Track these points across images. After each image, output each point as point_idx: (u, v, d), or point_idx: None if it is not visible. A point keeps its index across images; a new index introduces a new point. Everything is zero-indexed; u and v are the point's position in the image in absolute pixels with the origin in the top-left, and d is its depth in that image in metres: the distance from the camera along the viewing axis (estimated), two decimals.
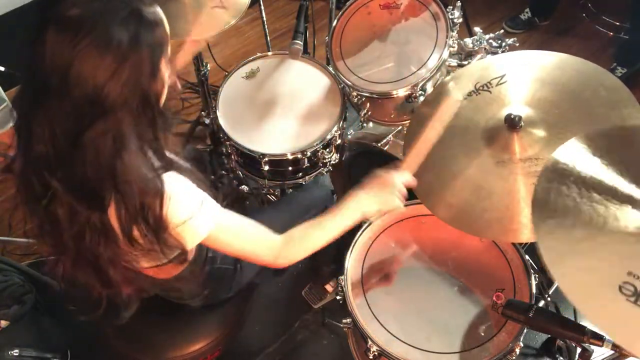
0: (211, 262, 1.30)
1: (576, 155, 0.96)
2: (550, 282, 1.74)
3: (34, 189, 0.94)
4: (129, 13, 0.86)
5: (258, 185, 1.84)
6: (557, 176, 0.94)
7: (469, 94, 1.31)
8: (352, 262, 1.36)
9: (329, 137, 1.64)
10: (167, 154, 0.99)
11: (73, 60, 0.82)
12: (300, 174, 1.72)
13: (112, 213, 0.93)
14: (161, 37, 0.92)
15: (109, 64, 0.84)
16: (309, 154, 1.63)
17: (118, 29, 0.84)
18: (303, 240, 1.14)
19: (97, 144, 0.87)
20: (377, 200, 1.18)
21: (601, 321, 0.80)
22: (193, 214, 0.98)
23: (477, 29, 1.77)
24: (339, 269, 1.34)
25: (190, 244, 1.02)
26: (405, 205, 1.42)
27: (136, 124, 0.90)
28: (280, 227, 1.13)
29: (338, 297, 1.35)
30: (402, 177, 1.20)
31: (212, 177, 2.08)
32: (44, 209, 0.96)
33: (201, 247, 1.21)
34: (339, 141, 1.72)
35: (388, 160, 1.61)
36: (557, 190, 0.92)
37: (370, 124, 1.83)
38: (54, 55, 0.82)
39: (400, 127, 1.77)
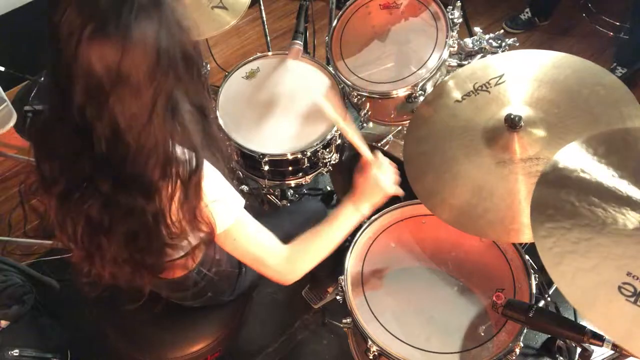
0: (217, 265, 1.30)
1: (575, 158, 0.96)
2: (550, 282, 1.74)
3: (74, 198, 0.93)
4: (145, 1, 0.85)
5: (258, 185, 1.84)
6: (555, 180, 0.94)
7: (468, 94, 1.31)
8: (352, 262, 1.36)
9: (329, 137, 1.64)
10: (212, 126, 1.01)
11: (121, 60, 0.81)
12: (300, 173, 1.73)
13: (158, 198, 0.93)
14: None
15: (150, 49, 0.83)
16: (309, 154, 1.63)
17: (144, 18, 0.83)
18: (305, 252, 1.15)
19: (159, 125, 0.87)
20: (368, 199, 1.22)
21: (601, 322, 0.80)
22: (222, 196, 1.00)
23: (477, 29, 1.77)
24: (339, 269, 1.34)
25: (219, 228, 1.02)
26: (406, 206, 1.42)
27: (185, 87, 0.91)
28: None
29: (338, 297, 1.34)
30: (377, 164, 1.24)
31: None
32: (86, 217, 0.95)
33: (208, 249, 1.21)
34: (339, 141, 1.72)
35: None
36: (555, 195, 0.92)
37: (370, 124, 1.83)
38: (101, 59, 0.81)
39: (400, 127, 1.77)
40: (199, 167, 0.95)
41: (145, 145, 0.88)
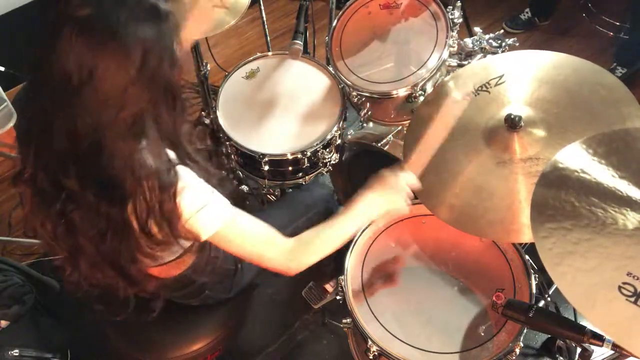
0: (213, 263, 1.30)
1: (575, 158, 0.96)
2: (550, 282, 1.74)
3: (47, 194, 0.93)
4: (147, 9, 0.86)
5: (258, 185, 1.84)
6: (556, 181, 0.94)
7: (468, 95, 1.31)
8: (352, 262, 1.36)
9: (329, 137, 1.64)
10: (184, 144, 1.00)
11: (98, 62, 0.82)
12: (300, 174, 1.72)
13: (129, 208, 0.93)
14: (175, 24, 0.91)
15: (133, 61, 0.84)
16: (309, 154, 1.63)
17: (140, 27, 0.84)
18: (315, 243, 1.12)
19: (119, 134, 0.87)
20: (385, 201, 1.18)
21: (601, 322, 0.80)
22: (202, 206, 0.98)
23: (477, 29, 1.77)
24: (339, 269, 1.33)
25: (204, 236, 1.01)
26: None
27: (157, 114, 0.91)
28: (282, 228, 1.12)
29: (338, 297, 1.35)
30: (407, 178, 1.20)
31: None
32: (57, 214, 0.95)
33: (204, 247, 1.21)
34: (339, 141, 1.72)
35: (388, 160, 1.61)
36: (555, 195, 0.92)
37: (370, 124, 1.83)
38: (77, 57, 0.81)
39: (400, 127, 1.77)
40: (170, 185, 0.93)
41: (104, 151, 0.87)
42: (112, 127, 0.86)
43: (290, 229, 1.13)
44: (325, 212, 1.55)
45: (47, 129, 0.88)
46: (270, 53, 1.87)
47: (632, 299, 0.78)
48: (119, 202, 0.92)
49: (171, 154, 0.97)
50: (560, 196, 0.92)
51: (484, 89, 1.29)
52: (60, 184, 0.91)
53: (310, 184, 1.75)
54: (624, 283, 0.80)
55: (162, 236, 0.97)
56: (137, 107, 0.87)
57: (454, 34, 1.65)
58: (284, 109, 1.72)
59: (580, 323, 1.03)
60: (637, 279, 0.79)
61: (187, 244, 1.08)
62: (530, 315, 1.07)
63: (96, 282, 1.07)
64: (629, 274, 0.80)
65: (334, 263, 1.49)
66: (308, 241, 1.12)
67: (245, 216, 1.08)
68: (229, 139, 1.66)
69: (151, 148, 0.92)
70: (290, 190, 1.84)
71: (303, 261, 1.11)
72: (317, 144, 1.63)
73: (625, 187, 0.89)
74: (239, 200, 1.07)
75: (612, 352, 0.98)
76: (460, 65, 1.70)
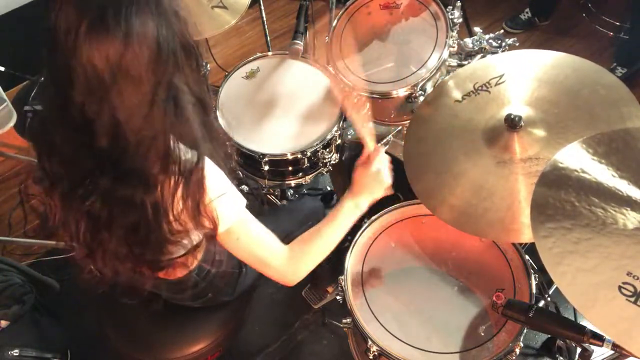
0: (218, 266, 1.30)
1: (575, 158, 0.96)
2: (550, 282, 1.74)
3: (75, 196, 0.93)
4: None
5: (258, 185, 1.84)
6: (556, 181, 0.94)
7: (468, 94, 1.31)
8: (352, 262, 1.36)
9: (329, 137, 1.64)
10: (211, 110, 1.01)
11: (123, 54, 0.81)
12: (300, 174, 1.72)
13: (157, 193, 0.93)
14: None
15: (150, 41, 0.83)
16: (309, 154, 1.63)
17: (143, 11, 0.83)
18: (306, 253, 1.15)
19: (160, 109, 0.87)
20: (371, 194, 1.22)
21: (601, 321, 0.80)
22: (224, 193, 1.00)
23: (477, 29, 1.77)
24: (339, 269, 1.33)
25: (221, 225, 1.02)
26: (406, 206, 1.42)
27: (185, 76, 0.90)
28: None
29: (338, 297, 1.34)
30: (383, 162, 1.24)
31: None
32: (86, 214, 0.95)
33: (209, 249, 1.21)
34: (339, 141, 1.72)
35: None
36: (555, 195, 0.92)
37: (371, 124, 1.83)
38: (100, 53, 0.81)
39: (400, 127, 1.77)
40: (200, 163, 0.95)
41: (146, 137, 0.88)
42: (151, 109, 0.86)
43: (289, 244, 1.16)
44: None
45: (84, 134, 0.87)
46: (270, 53, 1.87)
47: (632, 299, 0.78)
48: (152, 188, 0.92)
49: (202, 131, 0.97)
50: (560, 196, 0.92)
51: (484, 88, 1.29)
52: (93, 183, 0.91)
53: (300, 199, 1.76)
54: (624, 283, 0.80)
55: (183, 218, 0.97)
56: (166, 79, 0.87)
57: (454, 34, 1.65)
58: (284, 109, 1.72)
59: (580, 323, 1.03)
60: (637, 278, 0.79)
61: (196, 238, 1.08)
62: (530, 315, 1.07)
63: (114, 277, 1.06)
64: (629, 273, 0.80)
65: (334, 263, 1.49)
66: (300, 251, 1.14)
67: (255, 219, 1.10)
68: (229, 139, 1.66)
69: (183, 126, 0.92)
70: (291, 192, 1.84)
71: (298, 271, 1.15)
72: (317, 144, 1.63)
73: (625, 187, 0.89)
74: None
75: (612, 352, 0.98)
76: (460, 65, 1.70)
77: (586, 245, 0.85)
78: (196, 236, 1.07)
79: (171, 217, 0.96)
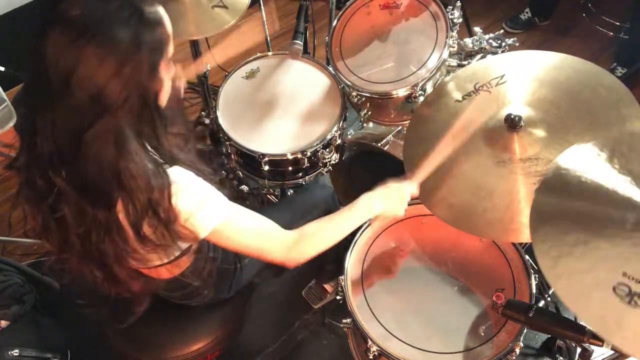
0: (212, 262, 1.30)
1: (576, 160, 0.96)
2: None
3: (38, 188, 0.94)
4: (130, 13, 0.87)
5: (258, 185, 1.84)
6: (555, 184, 0.94)
7: (469, 94, 1.31)
8: (352, 262, 1.36)
9: (329, 137, 1.64)
10: (170, 149, 0.99)
11: (77, 63, 0.83)
12: (300, 174, 1.72)
13: (120, 210, 0.93)
14: (162, 36, 0.92)
15: (111, 65, 0.85)
16: (309, 154, 1.63)
17: (120, 29, 0.85)
18: (316, 236, 1.13)
19: (99, 142, 0.87)
20: (386, 205, 1.21)
21: (595, 322, 0.80)
22: (201, 204, 0.98)
23: (477, 29, 1.77)
24: (339, 269, 1.34)
25: (202, 234, 1.01)
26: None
27: (136, 123, 0.91)
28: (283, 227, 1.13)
29: (338, 297, 1.34)
30: (410, 188, 1.22)
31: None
32: (49, 207, 0.96)
33: (203, 246, 1.21)
34: (339, 141, 1.72)
35: (388, 160, 1.61)
36: (554, 198, 0.92)
37: (370, 124, 1.84)
38: (57, 56, 0.83)
39: (400, 127, 1.77)
40: (161, 187, 0.93)
41: (87, 156, 0.88)
42: (93, 133, 0.87)
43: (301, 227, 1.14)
44: (326, 214, 1.55)
45: (33, 128, 0.89)
46: (270, 53, 1.87)
47: (627, 300, 0.78)
48: (104, 205, 0.92)
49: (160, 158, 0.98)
50: (559, 199, 0.92)
51: (485, 88, 1.29)
52: (51, 180, 0.92)
53: (311, 185, 1.76)
54: (619, 283, 0.80)
55: (157, 238, 0.97)
56: (115, 112, 0.87)
57: (454, 34, 1.65)
58: (284, 109, 1.72)
59: (580, 323, 1.03)
60: (632, 279, 0.80)
61: (184, 245, 1.08)
62: (530, 315, 1.07)
63: (82, 278, 1.07)
64: (624, 274, 0.80)
65: (334, 263, 1.49)
66: (309, 234, 1.13)
67: (242, 210, 1.08)
68: (229, 139, 1.66)
69: (136, 152, 0.91)
70: (291, 191, 1.84)
71: (304, 252, 1.12)
72: (317, 144, 1.63)
73: (623, 189, 0.89)
74: (238, 201, 1.08)
75: (612, 352, 0.98)
76: (460, 65, 1.70)
77: (582, 248, 0.85)
78: (179, 246, 1.07)
79: (139, 235, 0.96)
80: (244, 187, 2.06)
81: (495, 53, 1.69)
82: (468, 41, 1.72)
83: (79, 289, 1.11)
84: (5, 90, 1.92)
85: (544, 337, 1.82)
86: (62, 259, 1.05)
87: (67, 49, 0.82)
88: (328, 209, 1.61)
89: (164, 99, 0.99)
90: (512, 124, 1.16)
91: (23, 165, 0.95)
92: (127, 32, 0.85)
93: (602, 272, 0.82)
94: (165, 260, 1.11)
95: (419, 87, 1.56)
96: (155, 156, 0.96)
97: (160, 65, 0.93)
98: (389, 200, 1.21)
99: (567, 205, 0.91)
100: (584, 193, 0.91)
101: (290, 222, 1.14)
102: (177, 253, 1.11)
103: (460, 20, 1.70)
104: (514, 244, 1.33)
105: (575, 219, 0.89)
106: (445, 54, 1.59)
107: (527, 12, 2.88)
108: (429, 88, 1.61)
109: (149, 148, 0.96)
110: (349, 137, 1.83)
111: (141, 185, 0.91)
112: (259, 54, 1.86)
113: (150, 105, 0.92)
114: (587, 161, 0.95)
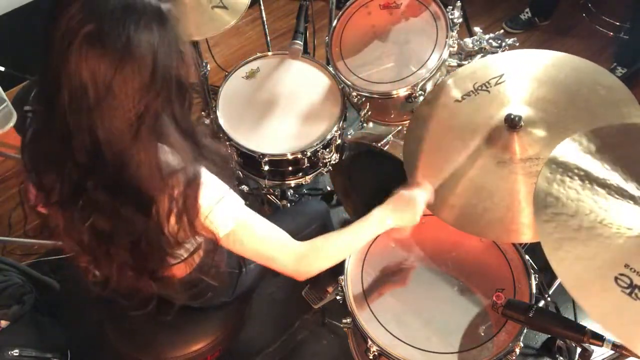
0: (217, 266, 1.30)
1: (579, 151, 0.96)
2: (550, 282, 1.74)
3: (76, 209, 0.93)
4: (152, 15, 0.85)
5: (258, 185, 1.84)
6: (561, 167, 0.94)
7: (468, 94, 1.31)
8: (352, 262, 1.36)
9: (329, 137, 1.64)
10: (200, 138, 1.00)
11: (114, 74, 0.81)
12: (300, 174, 1.73)
13: (154, 209, 0.93)
14: (176, 20, 0.90)
15: (146, 67, 0.83)
16: (309, 154, 1.63)
17: (147, 33, 0.83)
18: (326, 249, 1.12)
19: (142, 144, 0.86)
20: (400, 217, 1.18)
21: (594, 310, 0.80)
22: (220, 201, 0.98)
23: (477, 29, 1.76)
24: (339, 269, 1.33)
25: (221, 232, 1.01)
26: None
27: (172, 112, 0.90)
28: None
29: (338, 297, 1.35)
30: (424, 196, 1.20)
31: None
32: (89, 227, 0.95)
33: (210, 250, 1.21)
34: (339, 141, 1.72)
35: (388, 160, 1.61)
36: (559, 180, 0.92)
37: (370, 124, 1.83)
38: (91, 72, 0.80)
39: (400, 127, 1.77)
40: (194, 180, 0.94)
41: (130, 161, 0.87)
42: (135, 136, 0.85)
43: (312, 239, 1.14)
44: (322, 229, 1.55)
45: (67, 145, 0.86)
46: (270, 53, 1.87)
47: (627, 291, 0.79)
48: (147, 207, 0.92)
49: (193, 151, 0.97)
50: (564, 182, 0.92)
51: (484, 88, 1.29)
52: (88, 196, 0.90)
53: (306, 201, 1.75)
54: (621, 274, 0.80)
55: (180, 233, 0.97)
56: (154, 110, 0.86)
57: (454, 34, 1.65)
58: (284, 109, 1.72)
59: (580, 323, 1.03)
60: (634, 271, 0.80)
61: (195, 244, 1.08)
62: (530, 315, 1.07)
63: (124, 283, 1.06)
64: (626, 265, 0.81)
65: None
66: (320, 247, 1.11)
67: (256, 215, 1.08)
68: (229, 139, 1.66)
69: (173, 145, 0.92)
70: (291, 191, 1.84)
71: (314, 266, 1.11)
72: (317, 144, 1.63)
73: (630, 181, 0.89)
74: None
75: (612, 352, 0.98)
76: (460, 65, 1.70)
77: (587, 234, 0.85)
78: (194, 242, 1.07)
79: (166, 232, 0.96)
80: (244, 187, 2.06)
81: (495, 53, 1.68)
82: (468, 41, 1.72)
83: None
84: (5, 90, 1.93)
85: (544, 337, 1.82)
86: (100, 269, 1.05)
87: (102, 63, 0.80)
88: (324, 225, 1.59)
89: (194, 74, 0.97)
90: (512, 124, 1.16)
91: (57, 192, 0.92)
92: (152, 33, 0.83)
93: (605, 261, 0.82)
94: (176, 261, 1.11)
95: (419, 87, 1.56)
96: (187, 148, 0.96)
97: (184, 47, 0.91)
98: (402, 212, 1.18)
99: (572, 189, 0.90)
100: (589, 180, 0.91)
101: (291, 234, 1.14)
102: (186, 254, 1.11)
103: (460, 20, 1.70)
104: (514, 244, 1.33)
105: (580, 203, 0.88)
106: (445, 54, 1.59)
107: (527, 12, 2.88)
108: (429, 88, 1.61)
109: (182, 139, 0.95)
110: (349, 137, 1.83)
111: (178, 178, 0.91)
112: (259, 54, 1.86)
113: (183, 86, 0.91)
114: (592, 149, 0.95)
